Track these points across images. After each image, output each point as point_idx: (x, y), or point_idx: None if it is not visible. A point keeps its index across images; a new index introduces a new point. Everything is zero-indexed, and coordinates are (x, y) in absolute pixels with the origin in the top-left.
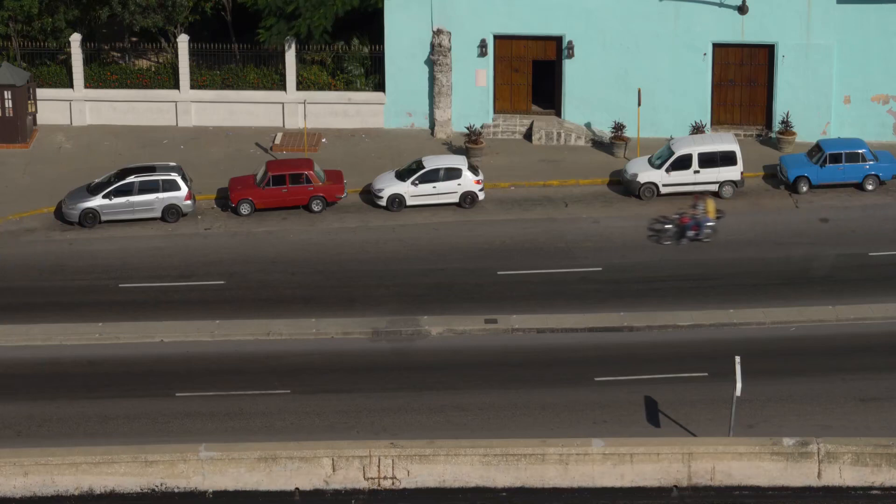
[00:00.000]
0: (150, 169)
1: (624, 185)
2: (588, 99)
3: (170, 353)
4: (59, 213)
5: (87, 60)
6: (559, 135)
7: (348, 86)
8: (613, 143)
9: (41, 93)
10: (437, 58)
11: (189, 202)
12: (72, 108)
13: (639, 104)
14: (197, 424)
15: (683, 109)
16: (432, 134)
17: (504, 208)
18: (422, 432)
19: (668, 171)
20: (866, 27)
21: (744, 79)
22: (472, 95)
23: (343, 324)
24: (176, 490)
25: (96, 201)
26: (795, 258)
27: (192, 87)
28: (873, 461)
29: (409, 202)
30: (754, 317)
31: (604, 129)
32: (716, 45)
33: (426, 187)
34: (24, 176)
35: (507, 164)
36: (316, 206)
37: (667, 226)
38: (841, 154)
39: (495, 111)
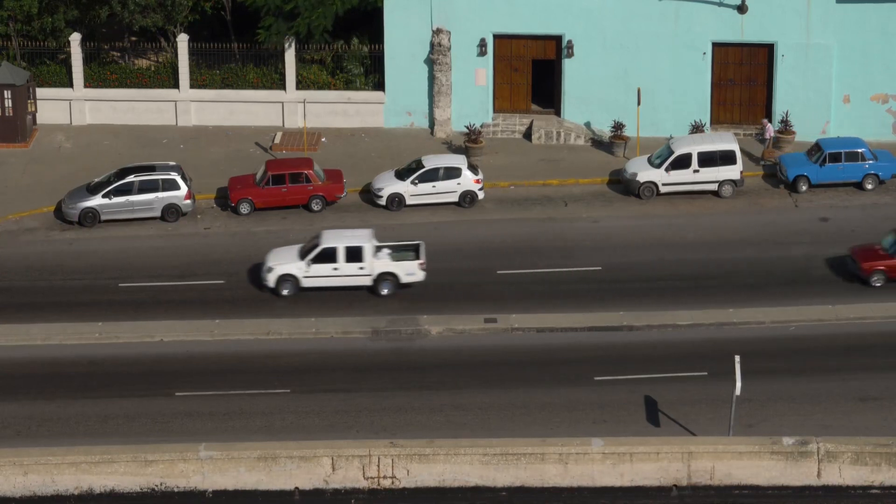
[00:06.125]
0: (150, 168)
1: (623, 185)
2: (588, 98)
3: (170, 353)
4: (59, 213)
5: (87, 60)
6: (559, 134)
7: (348, 85)
8: (613, 142)
9: (41, 92)
10: (436, 57)
11: (189, 202)
12: (71, 107)
13: (638, 103)
14: (197, 424)
15: (683, 109)
16: (432, 133)
17: (504, 208)
18: (421, 432)
19: (667, 170)
20: (866, 27)
21: (743, 78)
22: (471, 95)
23: (343, 323)
24: (176, 490)
25: (96, 201)
26: (795, 258)
27: (192, 86)
28: (873, 460)
29: (409, 201)
30: (754, 316)
31: (603, 129)
32: (715, 45)
33: (426, 187)
34: (24, 175)
35: (507, 163)
36: (315, 206)
37: None
38: (840, 153)
39: (495, 110)
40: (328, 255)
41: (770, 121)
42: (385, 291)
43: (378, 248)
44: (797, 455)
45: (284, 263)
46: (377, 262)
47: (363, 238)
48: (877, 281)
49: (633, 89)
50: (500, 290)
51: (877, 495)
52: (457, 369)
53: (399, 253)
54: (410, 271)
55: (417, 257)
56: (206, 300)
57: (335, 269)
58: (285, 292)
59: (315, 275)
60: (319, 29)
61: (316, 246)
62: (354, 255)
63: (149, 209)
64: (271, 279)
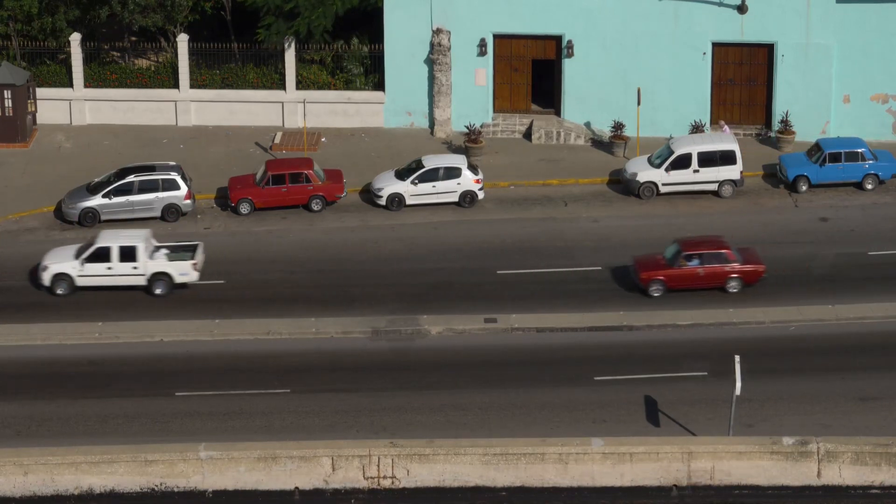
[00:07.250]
0: (150, 168)
1: (623, 185)
2: (587, 98)
3: (170, 353)
4: (59, 213)
5: (87, 60)
6: (559, 134)
7: (348, 85)
8: (613, 142)
9: (41, 92)
10: (436, 57)
11: (189, 201)
12: (71, 107)
13: (638, 103)
14: (197, 424)
15: (683, 109)
16: (432, 133)
17: (504, 207)
18: (421, 432)
19: (667, 170)
20: (866, 27)
21: (743, 78)
22: (471, 95)
23: (343, 323)
24: (176, 490)
25: (96, 200)
26: (795, 257)
27: (192, 86)
28: (873, 460)
29: (409, 201)
30: (754, 316)
31: (603, 129)
32: (715, 45)
33: (426, 186)
34: (24, 175)
35: (507, 163)
36: (315, 206)
37: None
38: (840, 153)
39: (495, 110)
40: (102, 255)
41: (728, 123)
42: (159, 291)
43: (156, 249)
44: (797, 455)
45: (59, 262)
46: (151, 263)
47: (138, 238)
48: (655, 291)
49: (633, 89)
50: (500, 290)
51: (877, 495)
52: (457, 369)
53: (176, 253)
54: (184, 271)
55: (193, 257)
56: (207, 300)
57: (109, 268)
58: (60, 291)
59: (89, 274)
60: (319, 29)
61: (91, 245)
62: (128, 254)
63: (149, 209)
64: (46, 278)
